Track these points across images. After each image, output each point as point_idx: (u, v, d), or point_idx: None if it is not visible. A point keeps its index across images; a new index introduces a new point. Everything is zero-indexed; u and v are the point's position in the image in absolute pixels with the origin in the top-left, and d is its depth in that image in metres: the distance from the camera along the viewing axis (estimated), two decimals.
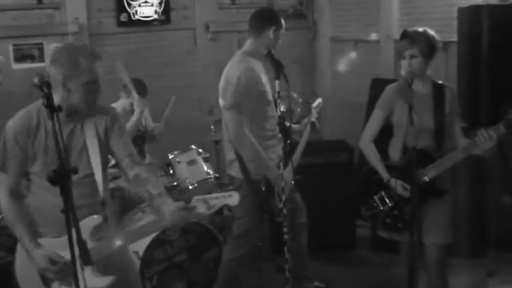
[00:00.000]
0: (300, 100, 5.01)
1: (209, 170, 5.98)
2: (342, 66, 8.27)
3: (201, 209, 3.45)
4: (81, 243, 2.98)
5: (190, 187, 5.78)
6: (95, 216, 3.50)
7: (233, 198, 3.47)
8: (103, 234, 3.56)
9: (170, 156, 5.94)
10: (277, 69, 4.11)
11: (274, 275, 5.86)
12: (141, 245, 4.95)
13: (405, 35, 4.30)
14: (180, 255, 5.31)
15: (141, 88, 5.93)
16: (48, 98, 2.94)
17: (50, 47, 6.61)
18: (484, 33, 5.38)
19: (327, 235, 6.19)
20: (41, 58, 6.61)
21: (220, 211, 6.41)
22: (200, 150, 6.07)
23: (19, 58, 6.50)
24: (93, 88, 3.37)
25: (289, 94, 4.36)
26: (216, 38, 7.84)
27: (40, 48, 6.60)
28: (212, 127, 6.43)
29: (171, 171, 5.88)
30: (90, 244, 3.35)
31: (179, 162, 5.88)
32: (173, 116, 6.47)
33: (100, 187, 3.53)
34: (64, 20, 6.72)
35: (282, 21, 4.88)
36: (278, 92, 4.08)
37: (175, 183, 5.80)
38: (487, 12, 5.41)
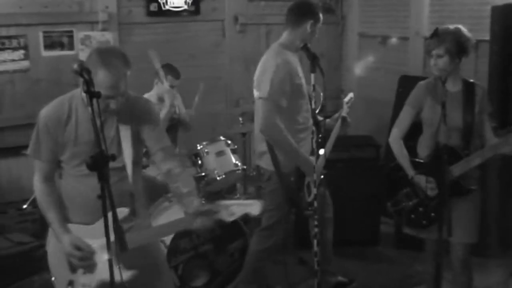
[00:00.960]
0: (321, 93, 5.03)
1: (237, 162, 6.01)
2: (367, 63, 8.30)
3: (223, 215, 3.38)
4: (118, 229, 2.99)
5: (218, 178, 5.82)
6: (122, 209, 3.48)
7: (254, 208, 3.40)
8: (128, 226, 3.54)
9: (199, 147, 5.97)
10: (313, 62, 4.12)
11: (296, 268, 5.95)
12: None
13: (435, 33, 4.31)
14: (206, 245, 5.37)
15: (173, 71, 6.06)
16: (88, 84, 2.98)
17: (80, 35, 6.69)
18: None
19: (350, 231, 6.22)
20: (71, 46, 6.65)
21: None
22: (229, 142, 6.11)
23: (49, 45, 6.54)
24: (109, 101, 3.33)
25: (315, 86, 4.36)
26: (244, 30, 7.89)
27: (70, 36, 6.64)
28: (240, 119, 6.46)
29: (199, 162, 5.90)
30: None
31: (207, 153, 5.91)
32: (201, 106, 6.51)
33: (130, 179, 3.57)
34: (95, 8, 6.77)
35: (320, 15, 4.90)
36: (313, 85, 4.11)
37: (203, 174, 5.82)
38: None
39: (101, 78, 3.26)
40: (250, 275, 5.14)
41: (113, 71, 3.30)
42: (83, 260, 3.41)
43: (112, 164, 3.19)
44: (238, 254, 5.48)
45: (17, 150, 6.04)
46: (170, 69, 6.05)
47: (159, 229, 3.77)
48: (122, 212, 3.48)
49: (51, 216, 3.51)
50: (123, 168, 3.56)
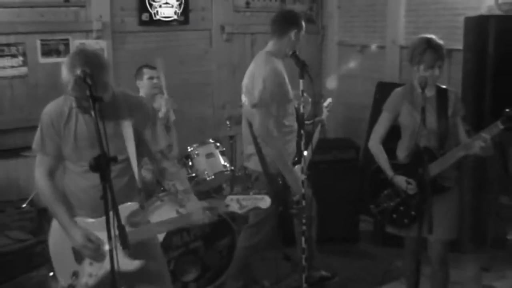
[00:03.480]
0: (310, 99, 5.03)
1: (225, 163, 5.96)
2: (347, 69, 8.33)
3: (234, 208, 3.50)
4: (121, 228, 2.97)
5: (208, 178, 5.76)
6: (132, 203, 3.52)
7: (264, 201, 3.49)
8: (138, 220, 3.60)
9: (189, 149, 5.91)
10: (302, 68, 4.09)
11: (282, 264, 5.91)
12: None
13: (431, 46, 4.27)
14: (196, 242, 5.35)
15: (148, 65, 6.07)
16: (91, 89, 2.95)
17: (75, 43, 6.63)
18: (490, 42, 5.41)
19: (331, 228, 6.19)
20: (67, 53, 6.56)
21: None
22: (218, 144, 6.05)
23: (46, 53, 6.49)
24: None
25: (303, 92, 4.34)
26: (230, 39, 7.86)
27: (66, 44, 6.59)
28: (227, 122, 6.40)
29: (190, 163, 5.85)
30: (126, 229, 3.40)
31: (197, 154, 5.85)
32: (189, 111, 6.51)
33: (137, 175, 3.55)
34: (89, 18, 6.72)
35: (303, 23, 4.90)
36: (302, 91, 4.08)
37: (193, 175, 5.77)
38: (494, 22, 5.45)
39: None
40: (238, 270, 5.13)
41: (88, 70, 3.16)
42: (95, 251, 3.41)
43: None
44: (227, 251, 5.46)
45: (16, 152, 5.99)
46: (145, 65, 6.03)
47: (156, 226, 3.74)
48: (133, 206, 3.52)
49: (60, 210, 3.46)
50: (127, 162, 3.52)
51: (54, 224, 3.62)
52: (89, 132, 3.38)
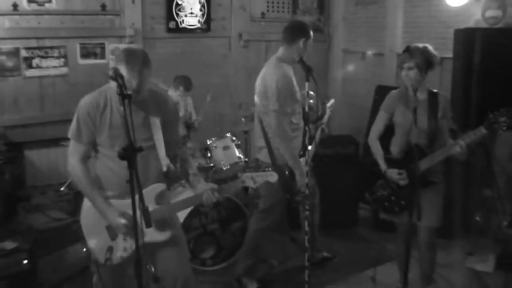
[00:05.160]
0: (314, 94, 5.02)
1: (240, 155, 5.98)
2: (351, 73, 8.34)
3: (249, 183, 3.63)
4: (144, 209, 3.01)
5: (224, 168, 5.80)
6: (160, 184, 3.61)
7: (273, 176, 3.66)
8: (164, 199, 3.67)
9: (208, 142, 5.95)
10: (307, 72, 4.08)
11: (288, 245, 5.95)
12: (181, 214, 5.00)
13: (407, 49, 4.30)
14: (213, 224, 5.39)
15: (187, 83, 6.08)
16: (121, 87, 2.98)
17: (110, 47, 6.67)
18: (476, 52, 5.39)
19: (334, 215, 6.19)
20: (103, 56, 6.65)
21: (245, 189, 6.47)
22: (234, 138, 6.07)
23: (85, 55, 6.54)
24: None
25: (309, 93, 4.35)
26: (247, 46, 7.88)
27: (102, 47, 6.64)
28: (243, 119, 6.44)
29: (208, 155, 5.90)
30: (153, 207, 3.49)
31: (215, 147, 5.89)
32: (210, 109, 6.55)
33: (162, 160, 3.58)
34: (123, 25, 6.75)
35: (311, 33, 4.88)
36: (307, 92, 4.09)
37: (211, 165, 5.82)
38: (480, 34, 5.43)
39: (122, 72, 3.24)
40: (249, 250, 5.12)
41: (131, 67, 3.30)
42: (131, 228, 3.38)
43: (145, 144, 3.32)
44: (239, 233, 5.49)
45: (56, 142, 6.04)
46: (184, 81, 6.09)
47: (174, 205, 3.81)
48: (160, 187, 3.62)
49: (95, 193, 3.50)
50: (154, 148, 3.55)
51: (85, 206, 3.64)
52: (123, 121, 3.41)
